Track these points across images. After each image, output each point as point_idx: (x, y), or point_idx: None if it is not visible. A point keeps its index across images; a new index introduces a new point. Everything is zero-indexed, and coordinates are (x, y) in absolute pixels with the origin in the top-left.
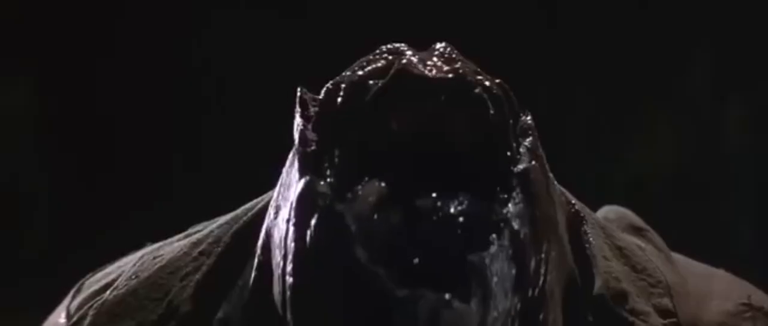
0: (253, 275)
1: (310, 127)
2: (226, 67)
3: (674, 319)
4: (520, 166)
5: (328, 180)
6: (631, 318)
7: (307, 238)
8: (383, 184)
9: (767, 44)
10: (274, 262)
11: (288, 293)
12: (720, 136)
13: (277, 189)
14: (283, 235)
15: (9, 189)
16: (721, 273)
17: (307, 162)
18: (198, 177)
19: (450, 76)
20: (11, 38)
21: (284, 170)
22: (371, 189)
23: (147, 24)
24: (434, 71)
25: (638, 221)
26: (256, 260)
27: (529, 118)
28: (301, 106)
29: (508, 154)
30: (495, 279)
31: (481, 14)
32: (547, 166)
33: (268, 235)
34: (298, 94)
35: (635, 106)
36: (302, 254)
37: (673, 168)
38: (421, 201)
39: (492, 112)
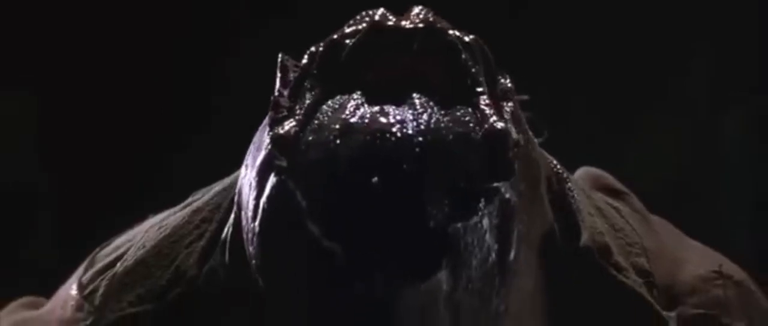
0: (230, 230)
1: (285, 92)
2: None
3: (650, 279)
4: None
5: (291, 149)
6: (614, 272)
7: (261, 209)
8: (343, 157)
9: (766, 49)
10: (243, 219)
11: (251, 250)
12: (718, 141)
13: (250, 147)
14: (247, 197)
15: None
16: (694, 242)
17: (274, 127)
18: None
19: (421, 25)
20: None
21: (259, 129)
22: (328, 162)
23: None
24: (408, 24)
25: (616, 183)
26: (232, 216)
27: (507, 81)
28: (281, 72)
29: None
30: (475, 249)
31: (475, 19)
32: (528, 130)
33: (239, 193)
34: (279, 59)
35: (632, 110)
36: (259, 221)
37: (671, 173)
38: (383, 177)
39: (464, 56)
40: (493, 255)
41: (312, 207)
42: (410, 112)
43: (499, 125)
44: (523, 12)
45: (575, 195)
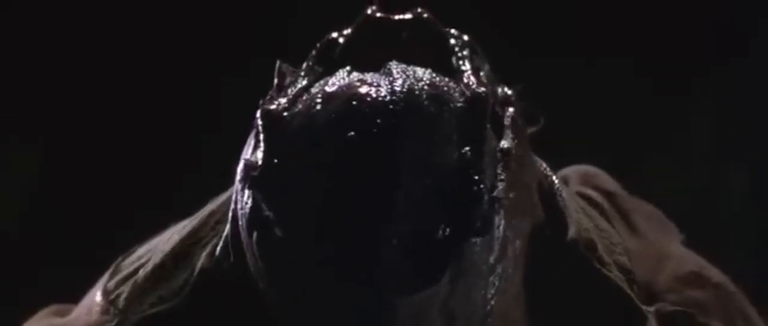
0: (229, 224)
1: (278, 96)
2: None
3: (631, 276)
4: (504, 144)
5: (276, 122)
6: (598, 266)
7: (242, 219)
8: (322, 118)
9: None
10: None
11: (249, 257)
12: (721, 195)
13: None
14: (235, 207)
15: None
16: (678, 246)
17: (257, 134)
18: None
19: (410, 16)
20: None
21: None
22: (304, 173)
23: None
24: (398, 16)
25: (606, 182)
26: (230, 211)
27: (508, 89)
28: (278, 77)
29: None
30: (476, 258)
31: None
32: (526, 137)
33: (235, 190)
34: (278, 65)
35: (634, 162)
36: (245, 230)
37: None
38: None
39: (451, 42)
40: (492, 260)
41: (279, 216)
42: (389, 78)
43: (480, 90)
44: (524, 67)
45: (563, 194)
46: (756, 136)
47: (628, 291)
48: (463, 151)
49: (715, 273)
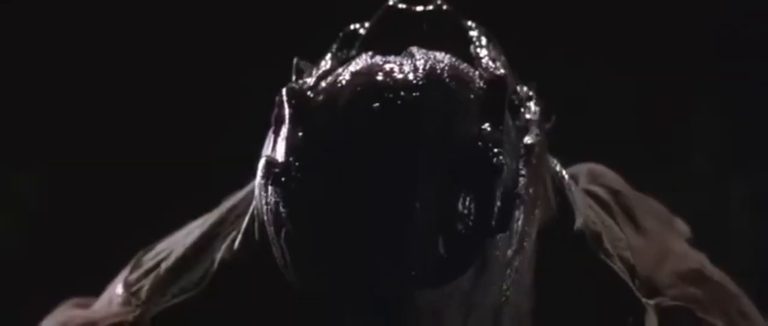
0: (249, 216)
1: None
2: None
3: (633, 270)
4: (527, 140)
5: (302, 98)
6: (603, 257)
7: (266, 207)
8: (346, 95)
9: None
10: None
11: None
12: (722, 216)
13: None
14: (256, 191)
15: None
16: (682, 243)
17: (276, 129)
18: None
19: (430, 7)
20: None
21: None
22: (320, 168)
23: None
24: (419, 8)
25: (613, 182)
26: (252, 207)
27: (528, 89)
28: (296, 74)
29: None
30: (498, 249)
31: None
32: (545, 132)
33: (257, 185)
34: (294, 62)
35: (635, 178)
36: (268, 217)
37: None
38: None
39: (471, 33)
40: (510, 253)
41: (302, 212)
42: (412, 59)
43: (499, 72)
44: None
45: (572, 188)
46: (758, 151)
47: (630, 284)
48: (483, 126)
49: (716, 272)
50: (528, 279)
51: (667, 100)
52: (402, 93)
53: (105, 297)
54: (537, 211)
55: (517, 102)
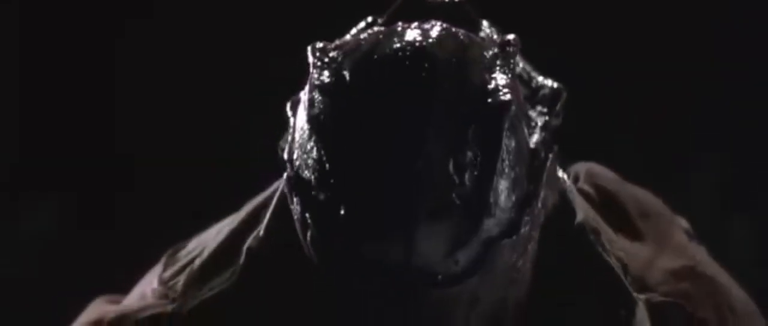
0: (276, 201)
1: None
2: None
3: (626, 268)
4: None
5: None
6: (600, 251)
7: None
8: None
9: None
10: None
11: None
12: (723, 255)
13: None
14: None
15: None
16: (678, 236)
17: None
18: None
19: (447, 0)
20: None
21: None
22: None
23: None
24: None
25: (610, 184)
26: (278, 192)
27: (553, 84)
28: (312, 55)
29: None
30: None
31: None
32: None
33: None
34: (310, 48)
35: None
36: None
37: None
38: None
39: (484, 28)
40: (515, 257)
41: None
42: (428, 23)
43: (509, 36)
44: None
45: (572, 189)
46: (760, 186)
47: (623, 278)
48: (492, 76)
49: (710, 265)
50: (528, 275)
51: (670, 147)
52: (418, 44)
53: (136, 293)
54: (542, 214)
55: (533, 84)
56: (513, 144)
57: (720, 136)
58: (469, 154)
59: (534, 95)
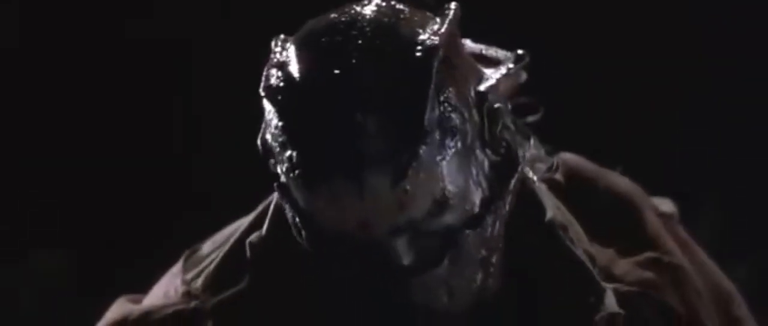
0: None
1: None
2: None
3: (594, 260)
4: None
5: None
6: (569, 244)
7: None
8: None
9: None
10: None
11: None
12: None
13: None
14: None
15: None
16: (650, 228)
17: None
18: None
19: None
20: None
21: None
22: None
23: None
24: None
25: (588, 172)
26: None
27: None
28: (274, 44)
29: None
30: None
31: None
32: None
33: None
34: (273, 40)
35: None
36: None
37: None
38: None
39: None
40: (483, 251)
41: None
42: (370, 4)
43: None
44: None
45: (542, 189)
46: (759, 232)
47: (591, 269)
48: (425, 31)
49: (676, 257)
50: (502, 268)
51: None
52: (354, 11)
53: (156, 293)
54: (506, 211)
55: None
56: (451, 90)
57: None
58: (402, 92)
59: (497, 65)
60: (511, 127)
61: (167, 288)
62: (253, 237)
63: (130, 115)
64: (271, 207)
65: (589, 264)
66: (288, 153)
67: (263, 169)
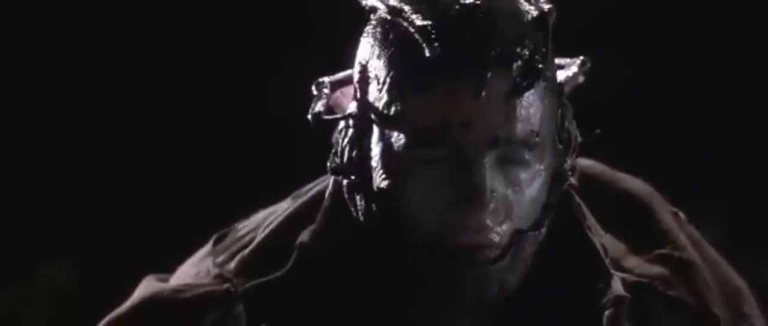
0: (331, 198)
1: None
2: None
3: (606, 251)
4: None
5: None
6: (587, 231)
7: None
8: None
9: None
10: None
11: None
12: None
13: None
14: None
15: None
16: (665, 226)
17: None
18: None
19: None
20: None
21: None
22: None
23: None
24: None
25: (603, 175)
26: (329, 184)
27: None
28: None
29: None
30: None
31: None
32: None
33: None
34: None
35: None
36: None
37: None
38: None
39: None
40: (532, 250)
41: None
42: None
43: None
44: None
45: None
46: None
47: (603, 256)
48: (538, 5)
49: (687, 253)
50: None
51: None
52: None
53: (185, 272)
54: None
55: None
56: (552, 64)
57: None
58: (530, 34)
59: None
60: (573, 123)
61: (198, 269)
62: (304, 236)
63: (133, 121)
64: (326, 198)
65: (602, 253)
66: (408, 54)
67: (271, 177)
